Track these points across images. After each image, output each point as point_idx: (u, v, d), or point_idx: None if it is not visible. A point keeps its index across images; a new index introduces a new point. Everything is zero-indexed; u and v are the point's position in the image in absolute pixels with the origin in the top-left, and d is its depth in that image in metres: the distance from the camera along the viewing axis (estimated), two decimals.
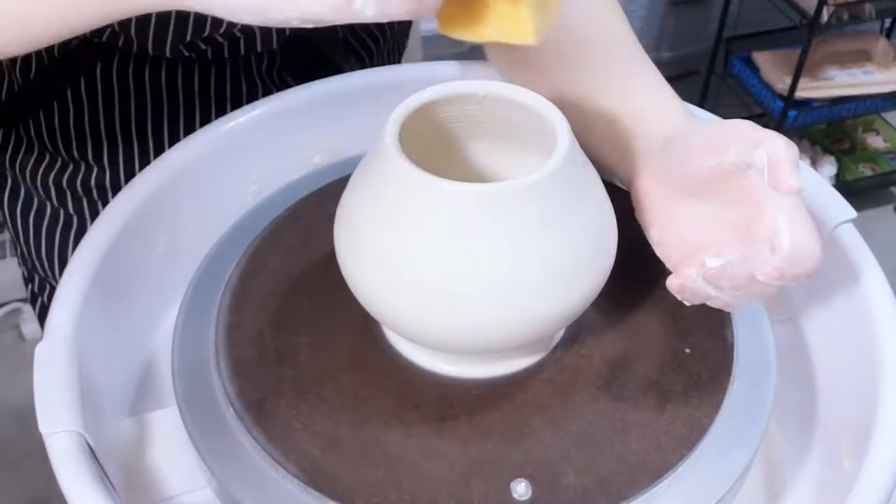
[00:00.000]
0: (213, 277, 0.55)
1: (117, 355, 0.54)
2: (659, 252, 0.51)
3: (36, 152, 0.70)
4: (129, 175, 0.69)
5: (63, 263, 0.73)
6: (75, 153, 0.69)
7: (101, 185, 0.70)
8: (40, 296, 0.77)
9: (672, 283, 0.48)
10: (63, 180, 0.70)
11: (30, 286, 0.78)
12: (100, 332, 0.51)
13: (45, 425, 0.44)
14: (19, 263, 0.79)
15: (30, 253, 0.74)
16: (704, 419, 0.48)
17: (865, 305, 0.52)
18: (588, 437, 0.47)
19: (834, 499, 0.47)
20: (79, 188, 0.70)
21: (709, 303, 0.48)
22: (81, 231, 0.71)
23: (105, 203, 0.70)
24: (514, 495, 0.44)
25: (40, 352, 0.47)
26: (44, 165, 0.70)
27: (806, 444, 0.53)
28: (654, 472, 0.45)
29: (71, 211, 0.71)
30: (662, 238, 0.51)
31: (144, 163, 0.68)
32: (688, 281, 0.47)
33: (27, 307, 1.65)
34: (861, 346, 0.51)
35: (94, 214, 0.71)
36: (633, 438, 0.47)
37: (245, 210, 0.60)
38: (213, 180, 0.61)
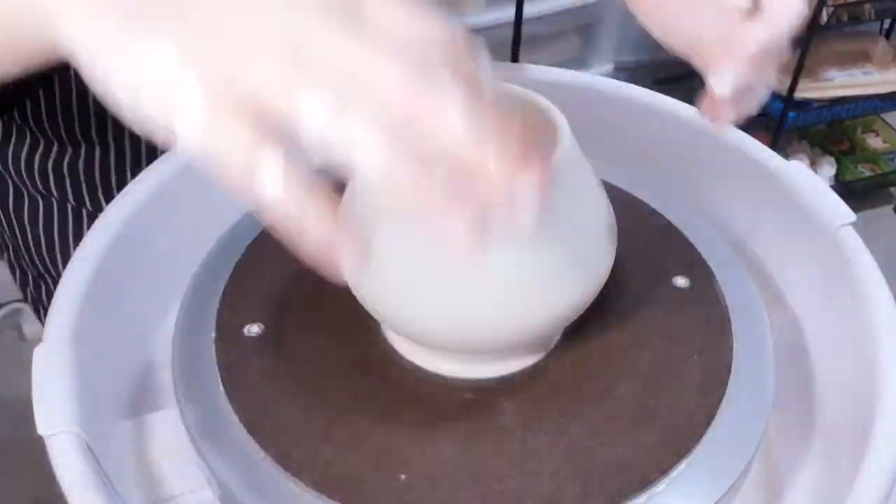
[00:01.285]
0: (213, 277, 0.55)
1: (117, 356, 0.54)
2: (666, 44, 0.51)
3: (17, 135, 0.68)
4: (120, 153, 0.68)
5: (51, 252, 0.72)
6: (64, 135, 0.67)
7: (88, 168, 0.69)
8: (38, 297, 0.77)
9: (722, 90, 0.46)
10: (48, 164, 0.68)
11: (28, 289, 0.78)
12: (99, 332, 0.51)
13: (43, 427, 0.44)
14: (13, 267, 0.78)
15: (24, 249, 0.74)
16: (704, 419, 0.48)
17: (865, 306, 0.52)
18: (588, 437, 0.47)
19: (833, 499, 0.47)
20: (65, 170, 0.69)
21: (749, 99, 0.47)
22: (64, 218, 0.70)
23: (91, 185, 0.69)
24: None
25: (38, 353, 0.47)
26: (25, 149, 0.68)
27: (805, 445, 0.53)
28: (654, 472, 0.45)
29: (55, 196, 0.70)
30: (665, 31, 0.50)
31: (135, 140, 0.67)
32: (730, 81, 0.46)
33: (27, 307, 1.65)
34: (861, 346, 0.51)
35: (79, 197, 0.69)
36: (632, 438, 0.47)
37: (245, 210, 0.60)
38: (212, 181, 0.61)
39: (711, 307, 0.54)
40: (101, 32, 0.32)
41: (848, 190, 2.00)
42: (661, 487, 0.45)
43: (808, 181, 0.58)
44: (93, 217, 0.57)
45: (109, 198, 0.57)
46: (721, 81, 0.46)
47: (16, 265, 0.77)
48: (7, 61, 0.38)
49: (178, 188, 0.59)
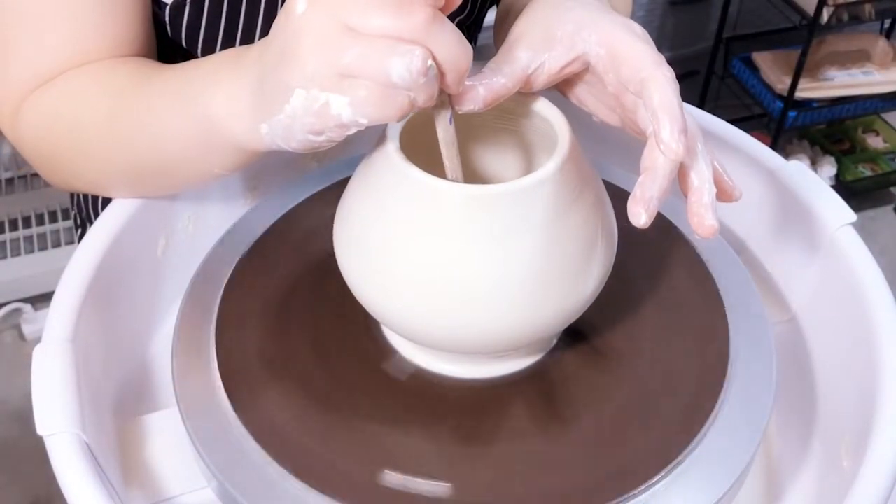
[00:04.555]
0: (213, 279, 0.55)
1: (116, 357, 0.54)
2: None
3: None
4: None
5: None
6: None
7: None
8: None
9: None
10: None
11: None
12: (99, 333, 0.51)
13: (42, 427, 0.44)
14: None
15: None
16: (704, 419, 0.48)
17: (865, 307, 0.52)
18: (588, 437, 0.47)
19: (833, 499, 0.47)
20: None
21: None
22: None
23: None
24: None
25: (38, 354, 0.47)
26: None
27: (806, 444, 0.53)
28: (654, 471, 0.45)
29: None
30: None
31: None
32: None
33: (27, 307, 1.65)
34: (861, 346, 0.51)
35: None
36: (632, 438, 0.47)
37: (244, 211, 0.60)
38: (212, 182, 0.61)
39: (711, 307, 0.54)
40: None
41: (848, 190, 2.00)
42: (661, 486, 0.45)
43: (809, 181, 0.58)
44: None
45: None
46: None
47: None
48: (226, 162, 0.50)
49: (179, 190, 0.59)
